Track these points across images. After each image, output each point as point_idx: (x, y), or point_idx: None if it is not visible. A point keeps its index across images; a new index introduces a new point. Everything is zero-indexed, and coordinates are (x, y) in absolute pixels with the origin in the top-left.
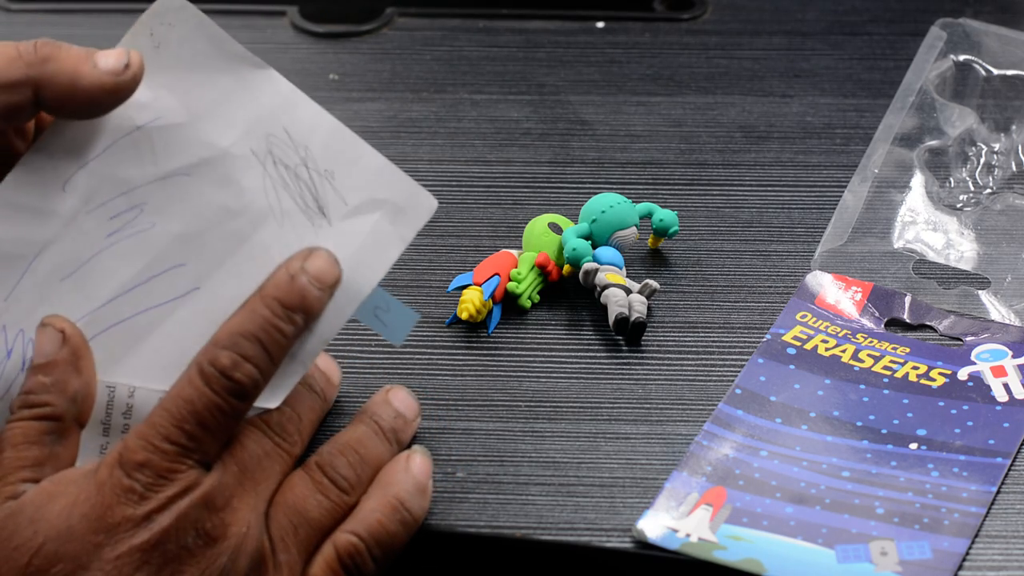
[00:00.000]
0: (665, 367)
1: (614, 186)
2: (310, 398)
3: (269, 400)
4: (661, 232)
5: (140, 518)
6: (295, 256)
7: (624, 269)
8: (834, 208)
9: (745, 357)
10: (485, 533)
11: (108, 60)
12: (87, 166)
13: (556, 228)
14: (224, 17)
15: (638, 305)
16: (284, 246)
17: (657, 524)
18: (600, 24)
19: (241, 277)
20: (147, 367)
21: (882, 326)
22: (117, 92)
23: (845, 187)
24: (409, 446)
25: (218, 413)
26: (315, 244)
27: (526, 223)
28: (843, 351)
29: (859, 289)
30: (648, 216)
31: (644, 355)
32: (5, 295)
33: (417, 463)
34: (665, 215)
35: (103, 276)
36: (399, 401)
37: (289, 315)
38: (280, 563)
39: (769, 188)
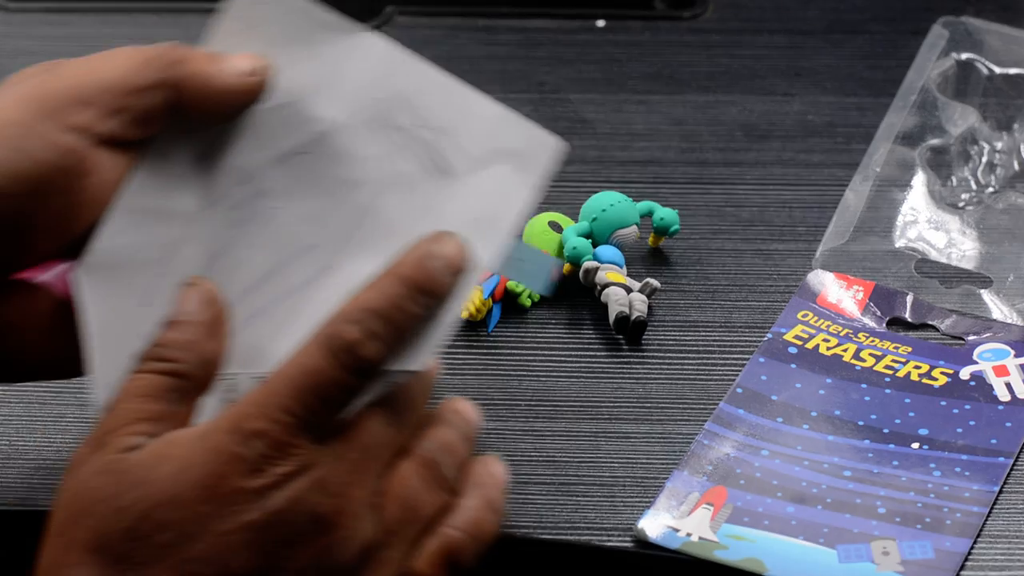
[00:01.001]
0: (666, 366)
1: (615, 185)
2: (425, 385)
3: (413, 363)
4: (662, 231)
5: (251, 492)
6: (426, 238)
7: (625, 268)
8: (835, 207)
9: (746, 356)
10: None
11: (238, 63)
12: (205, 160)
13: (556, 227)
14: None
15: (639, 304)
16: (411, 210)
17: (658, 523)
18: (601, 23)
19: (374, 249)
20: (290, 352)
21: (884, 325)
22: (248, 94)
23: (846, 186)
24: None
25: (340, 389)
26: (442, 204)
27: (526, 222)
28: (845, 350)
29: (861, 288)
30: (649, 215)
31: (645, 354)
32: (142, 302)
33: (498, 467)
34: (666, 214)
35: (236, 269)
36: (467, 412)
37: (418, 297)
38: (389, 558)
39: (770, 187)
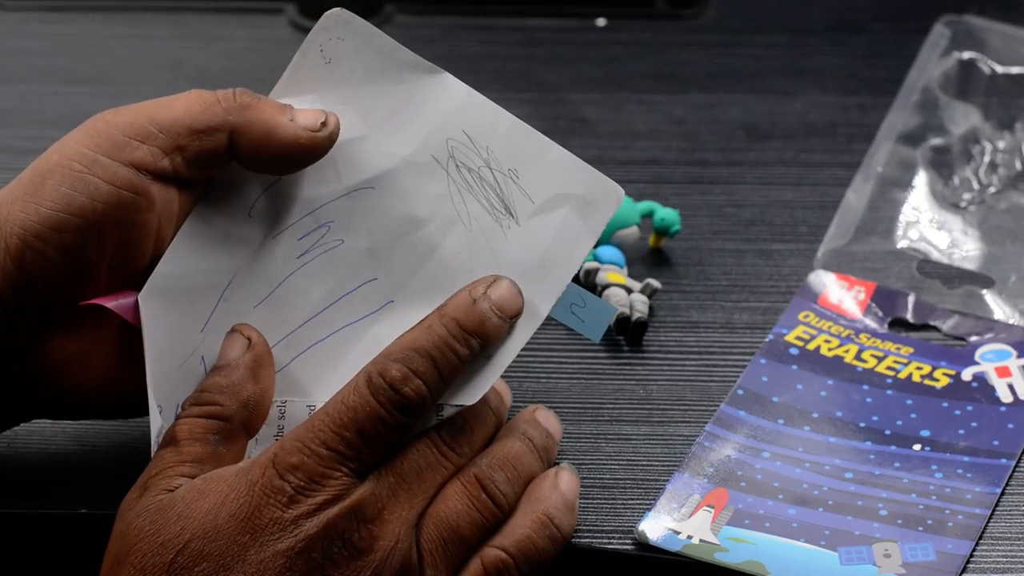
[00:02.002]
0: (666, 367)
1: None
2: (484, 412)
3: (464, 398)
4: (663, 231)
5: (287, 522)
6: (479, 281)
7: (625, 268)
8: (837, 207)
9: (747, 357)
10: None
11: (306, 117)
12: (270, 190)
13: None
14: (223, 15)
15: (639, 305)
16: (474, 250)
17: (658, 526)
18: (601, 22)
19: (435, 285)
20: (346, 382)
21: (885, 326)
22: (312, 150)
23: (848, 186)
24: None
25: (380, 425)
26: (505, 245)
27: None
28: (846, 351)
29: (862, 289)
30: (649, 215)
31: (645, 355)
32: (201, 326)
33: (565, 480)
34: (667, 214)
35: (296, 298)
36: (546, 420)
37: (466, 338)
38: None
39: (771, 187)
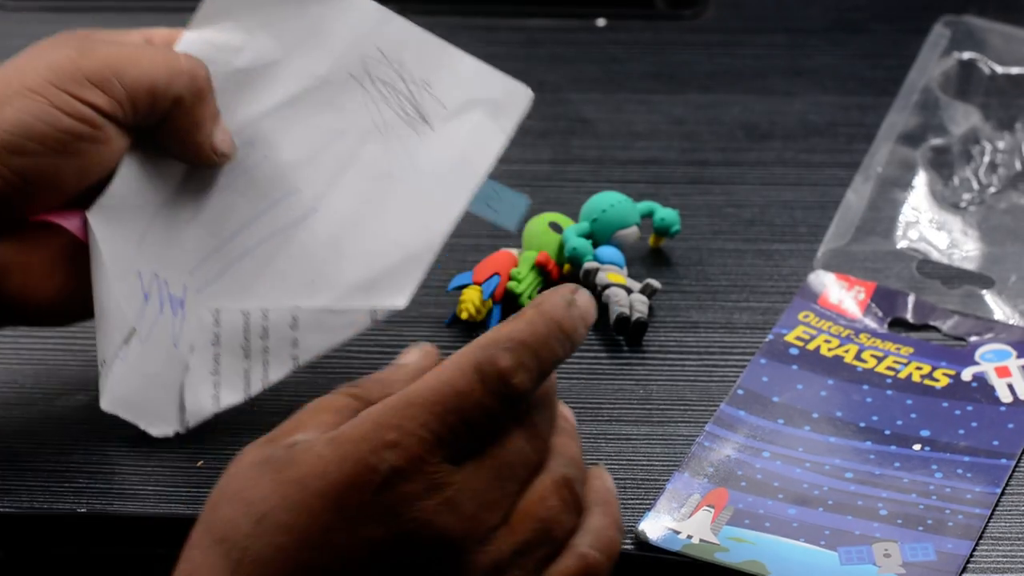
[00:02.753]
0: (666, 367)
1: (615, 185)
2: (552, 406)
3: (398, 299)
4: (662, 231)
5: (380, 507)
6: (565, 288)
7: (625, 268)
8: (836, 207)
9: (747, 357)
10: None
11: (223, 139)
12: None
13: (556, 227)
14: None
15: (639, 305)
16: (392, 157)
17: (659, 525)
18: (601, 22)
19: (355, 193)
20: (277, 290)
21: (885, 326)
22: (205, 163)
23: (848, 186)
24: None
25: (484, 414)
26: (421, 150)
27: (526, 222)
28: (846, 351)
29: (862, 289)
30: (649, 215)
31: (645, 355)
32: (138, 242)
33: (611, 480)
34: (666, 214)
35: (225, 213)
36: (572, 418)
37: (564, 340)
38: None
39: (771, 187)
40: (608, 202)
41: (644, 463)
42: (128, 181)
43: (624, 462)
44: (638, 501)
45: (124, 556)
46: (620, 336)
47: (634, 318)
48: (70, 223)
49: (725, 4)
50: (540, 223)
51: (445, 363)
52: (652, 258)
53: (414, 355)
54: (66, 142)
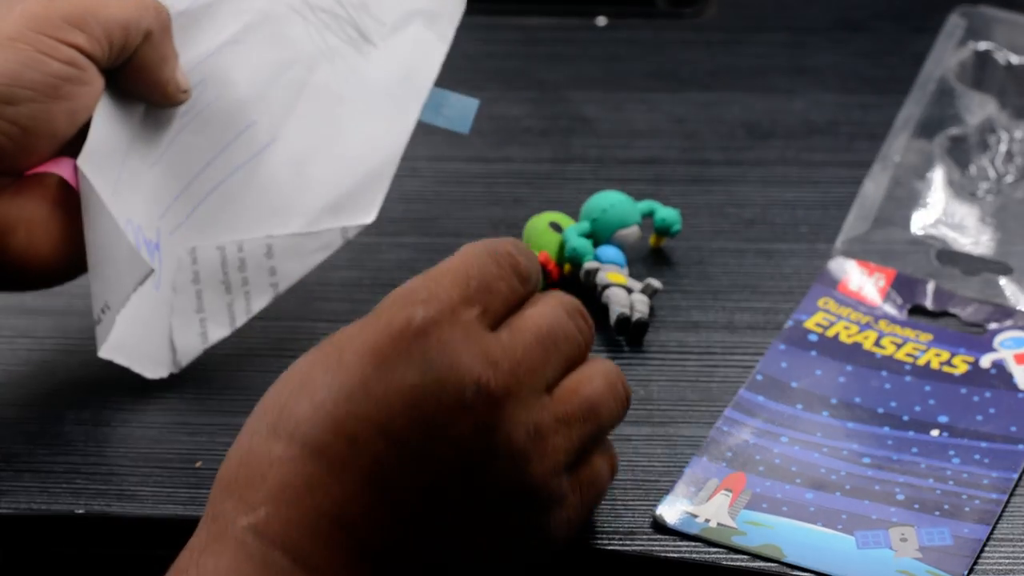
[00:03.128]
0: (667, 367)
1: (615, 184)
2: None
3: (367, 215)
4: (663, 231)
5: (416, 355)
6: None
7: (626, 268)
8: (839, 206)
9: (748, 357)
10: None
11: (183, 76)
12: None
13: (557, 227)
14: None
15: (640, 305)
16: (341, 79)
17: (676, 509)
18: (601, 21)
19: (310, 119)
20: (247, 222)
21: (905, 313)
22: (169, 100)
23: (850, 184)
24: None
25: (505, 285)
26: (368, 68)
27: (526, 221)
28: (865, 338)
29: (882, 276)
30: (650, 214)
31: (646, 355)
32: (113, 190)
33: None
34: (667, 213)
35: (186, 153)
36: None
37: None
38: (556, 447)
39: (773, 186)
40: (608, 201)
41: (645, 464)
42: (103, 128)
43: (624, 463)
44: (638, 502)
45: (123, 557)
46: (621, 336)
47: (635, 318)
48: (63, 172)
49: (726, 3)
50: (540, 223)
51: (455, 254)
52: (653, 258)
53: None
54: (56, 86)
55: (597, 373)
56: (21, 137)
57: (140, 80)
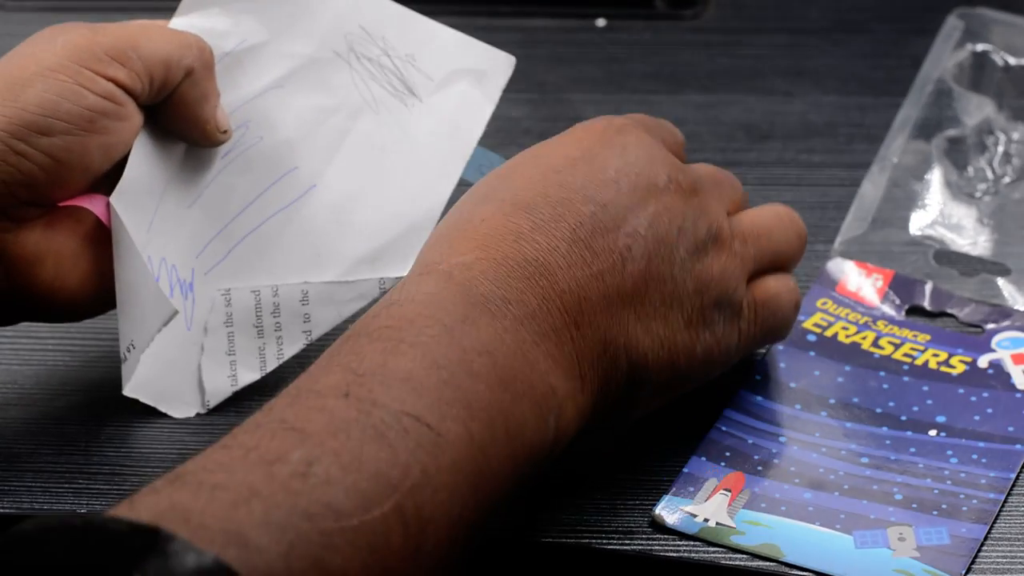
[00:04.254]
0: None
1: None
2: None
3: (404, 268)
4: None
5: (616, 145)
6: None
7: None
8: (837, 207)
9: (748, 358)
10: None
11: (223, 115)
12: None
13: None
14: None
15: None
16: (385, 130)
17: (675, 509)
18: (601, 22)
19: (352, 167)
20: (284, 266)
21: (903, 313)
22: (207, 140)
23: (848, 186)
24: None
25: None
26: (413, 122)
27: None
28: (863, 338)
29: (880, 276)
30: None
31: None
32: (147, 228)
33: None
34: None
35: (226, 195)
36: None
37: None
38: (734, 251)
39: (771, 187)
40: None
41: (645, 463)
42: (140, 165)
43: (624, 463)
44: (637, 502)
45: None
46: None
47: None
48: (95, 208)
49: (725, 4)
50: None
51: None
52: None
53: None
54: (92, 119)
55: (765, 209)
56: (54, 168)
57: (180, 117)
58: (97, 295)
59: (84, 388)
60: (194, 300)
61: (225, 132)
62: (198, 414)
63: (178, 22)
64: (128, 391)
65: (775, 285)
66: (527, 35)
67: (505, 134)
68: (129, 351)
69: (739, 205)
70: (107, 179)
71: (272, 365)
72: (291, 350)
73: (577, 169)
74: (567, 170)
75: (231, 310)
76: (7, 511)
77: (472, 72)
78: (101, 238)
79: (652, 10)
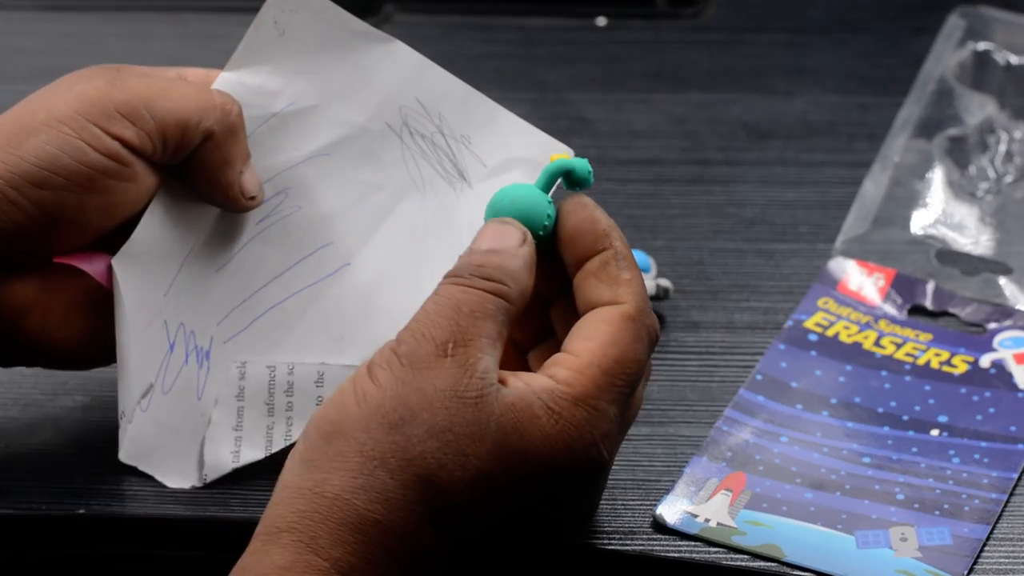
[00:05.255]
0: (667, 368)
1: (615, 184)
2: None
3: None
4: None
5: (580, 475)
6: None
7: (653, 270)
8: (838, 206)
9: (748, 358)
10: None
11: (251, 179)
12: None
13: None
14: (223, 15)
15: None
16: (429, 214)
17: (676, 509)
18: (601, 21)
19: (389, 249)
20: (305, 344)
21: (904, 313)
22: (230, 205)
23: (849, 185)
24: None
25: (643, 368)
26: (458, 209)
27: None
28: (865, 337)
29: (882, 276)
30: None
31: None
32: (165, 291)
33: None
34: (577, 165)
35: (255, 263)
36: None
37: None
38: (616, 442)
39: (772, 186)
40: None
41: (645, 464)
42: (156, 227)
43: (624, 463)
44: (638, 502)
45: (124, 557)
46: None
47: None
48: (94, 268)
49: (726, 3)
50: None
51: (622, 328)
52: (653, 257)
53: (515, 238)
54: (92, 177)
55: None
56: (46, 223)
57: (201, 181)
58: (94, 352)
59: (84, 388)
60: (209, 369)
61: (253, 198)
62: (193, 487)
63: (227, 76)
64: (123, 458)
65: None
66: (527, 34)
67: None
68: (121, 418)
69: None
70: (118, 237)
71: (279, 446)
72: (299, 432)
73: (513, 474)
74: (501, 477)
75: (244, 384)
76: (7, 511)
77: (528, 162)
78: (100, 297)
79: (653, 9)
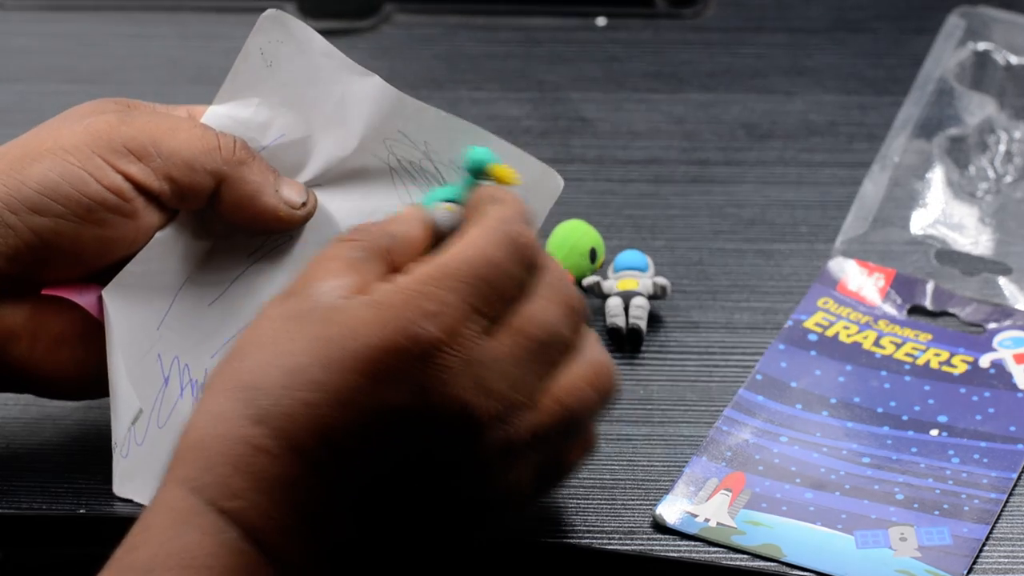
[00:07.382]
0: (667, 368)
1: (615, 184)
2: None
3: None
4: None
5: (412, 381)
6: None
7: (651, 269)
8: (838, 206)
9: (748, 357)
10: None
11: (290, 191)
12: None
13: (594, 256)
14: (223, 14)
15: (635, 310)
16: None
17: (676, 509)
18: (601, 21)
19: None
20: None
21: (904, 313)
22: (287, 223)
23: (849, 185)
24: None
25: (515, 284)
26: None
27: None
28: (865, 337)
29: (882, 276)
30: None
31: (646, 356)
32: (158, 324)
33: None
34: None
35: (248, 295)
36: None
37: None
38: (531, 461)
39: (772, 186)
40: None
41: (644, 464)
42: (150, 260)
43: (624, 463)
44: (638, 502)
45: None
46: (614, 344)
47: (628, 326)
48: (85, 299)
49: (726, 3)
50: (577, 241)
51: (475, 233)
52: (653, 257)
53: (414, 221)
54: (91, 208)
55: (582, 378)
56: (41, 249)
57: (243, 219)
58: (83, 384)
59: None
60: None
61: (303, 204)
62: None
63: (215, 110)
64: (117, 490)
65: (569, 452)
66: (527, 34)
67: (505, 133)
68: (115, 450)
69: (568, 360)
70: (110, 273)
71: None
72: None
73: (362, 407)
74: (349, 405)
75: None
76: (7, 511)
77: (518, 187)
78: (90, 330)
79: (652, 9)
